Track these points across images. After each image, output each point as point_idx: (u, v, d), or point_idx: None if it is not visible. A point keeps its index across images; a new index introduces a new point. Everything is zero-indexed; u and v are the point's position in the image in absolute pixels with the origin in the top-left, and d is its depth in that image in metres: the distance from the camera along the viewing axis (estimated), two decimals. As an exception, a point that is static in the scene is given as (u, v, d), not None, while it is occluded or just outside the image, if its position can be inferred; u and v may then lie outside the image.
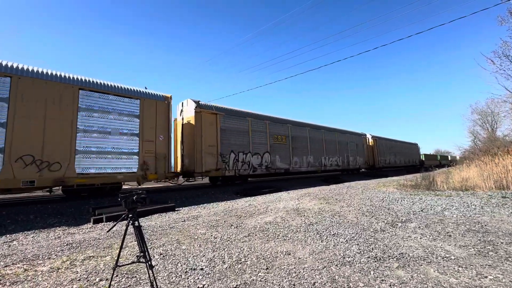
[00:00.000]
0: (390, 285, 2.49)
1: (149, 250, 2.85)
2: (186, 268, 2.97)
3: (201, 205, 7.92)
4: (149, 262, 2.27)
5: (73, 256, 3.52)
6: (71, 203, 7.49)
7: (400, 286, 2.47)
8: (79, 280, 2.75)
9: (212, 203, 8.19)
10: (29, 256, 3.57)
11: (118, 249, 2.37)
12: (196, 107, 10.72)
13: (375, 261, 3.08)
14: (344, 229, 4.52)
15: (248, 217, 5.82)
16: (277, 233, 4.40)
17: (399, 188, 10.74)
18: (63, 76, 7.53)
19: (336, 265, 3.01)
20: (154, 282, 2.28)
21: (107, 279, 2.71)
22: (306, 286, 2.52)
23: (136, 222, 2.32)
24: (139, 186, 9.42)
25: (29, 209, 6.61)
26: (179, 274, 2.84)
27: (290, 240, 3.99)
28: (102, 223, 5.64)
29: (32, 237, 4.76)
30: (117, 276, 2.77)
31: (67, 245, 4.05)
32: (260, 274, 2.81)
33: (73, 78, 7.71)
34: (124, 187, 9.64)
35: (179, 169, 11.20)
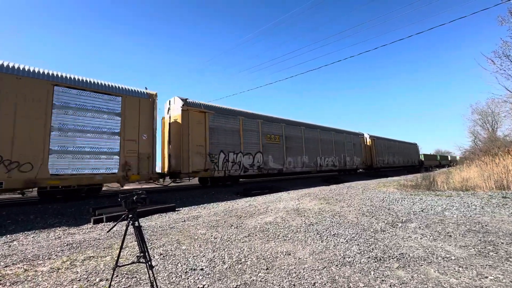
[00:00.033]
0: (390, 286, 2.48)
1: (149, 250, 2.85)
2: (186, 268, 2.97)
3: (201, 205, 7.92)
4: (149, 263, 2.26)
5: (73, 256, 3.52)
6: (72, 203, 7.50)
7: (401, 286, 2.47)
8: (79, 280, 2.76)
9: (212, 203, 8.19)
10: (29, 256, 3.57)
11: (118, 249, 2.36)
12: (183, 105, 10.30)
13: (376, 261, 3.07)
14: (344, 229, 4.52)
15: (248, 217, 5.82)
16: (277, 233, 4.40)
17: (399, 188, 10.73)
18: (36, 72, 7.10)
19: (336, 265, 3.00)
20: (154, 282, 2.28)
21: (107, 279, 2.71)
22: (306, 286, 2.52)
23: (136, 222, 2.32)
24: (122, 188, 9.12)
25: (30, 209, 6.62)
26: (179, 274, 2.84)
27: (290, 240, 3.99)
28: (102, 223, 5.65)
29: (32, 237, 4.76)
30: (117, 276, 2.77)
31: (67, 245, 4.05)
32: (260, 274, 2.81)
33: (47, 73, 7.25)
34: (104, 188, 9.20)
35: (166, 169, 10.84)
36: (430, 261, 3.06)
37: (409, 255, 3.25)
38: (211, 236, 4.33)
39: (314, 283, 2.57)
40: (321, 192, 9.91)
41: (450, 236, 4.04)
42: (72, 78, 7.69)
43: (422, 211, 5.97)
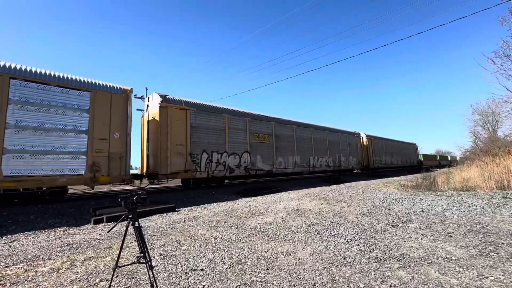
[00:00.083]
0: (390, 286, 2.48)
1: (149, 250, 2.85)
2: (187, 269, 2.97)
3: (202, 205, 7.92)
4: (149, 263, 2.26)
5: (73, 256, 3.52)
6: (72, 203, 7.50)
7: (401, 286, 2.46)
8: (79, 280, 2.76)
9: (212, 204, 8.19)
10: (29, 256, 3.57)
11: (119, 250, 2.36)
12: (161, 102, 9.67)
13: (376, 262, 3.07)
14: (344, 229, 4.52)
15: (248, 217, 5.81)
16: (278, 233, 4.40)
17: (399, 188, 10.73)
18: None
19: (337, 265, 3.00)
20: (154, 283, 2.28)
21: (107, 280, 2.71)
22: (307, 286, 2.52)
23: (136, 223, 2.32)
24: (93, 190, 8.54)
25: (30, 209, 6.62)
26: (179, 274, 2.84)
27: (290, 241, 3.98)
28: (103, 224, 5.65)
29: (32, 237, 4.76)
30: (117, 276, 2.77)
31: (67, 245, 4.05)
32: (260, 274, 2.80)
33: (3, 65, 6.59)
34: (70, 191, 8.53)
35: (145, 170, 10.21)
36: (430, 261, 3.06)
37: (409, 255, 3.25)
38: (211, 236, 4.33)
39: (314, 283, 2.57)
40: (321, 192, 9.91)
41: (451, 236, 4.04)
42: (33, 71, 7.01)
43: (422, 211, 5.96)
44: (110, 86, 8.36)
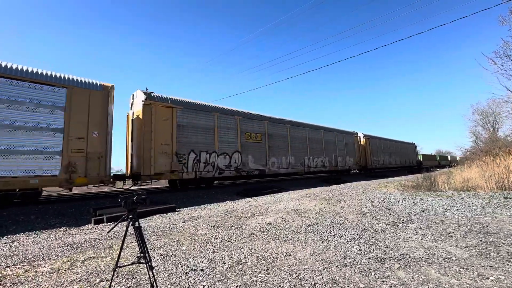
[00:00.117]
0: (391, 286, 2.48)
1: (149, 251, 2.85)
2: (187, 269, 2.97)
3: (202, 205, 7.92)
4: (150, 263, 2.26)
5: (73, 256, 3.53)
6: (72, 203, 7.51)
7: (401, 287, 2.46)
8: (79, 281, 2.76)
9: (212, 204, 8.19)
10: (29, 256, 3.58)
11: (119, 250, 2.37)
12: (145, 99, 9.25)
13: (376, 262, 3.07)
14: (345, 230, 4.51)
15: (248, 217, 5.81)
16: (278, 233, 4.39)
17: (400, 188, 10.72)
18: None
19: (337, 266, 3.00)
20: (154, 283, 2.28)
21: (107, 280, 2.71)
22: (307, 287, 2.52)
23: (137, 223, 2.32)
24: (71, 192, 8.21)
25: (30, 209, 6.62)
26: (180, 275, 2.84)
27: (290, 241, 3.98)
28: (103, 224, 5.65)
29: (33, 237, 4.77)
30: (117, 277, 2.77)
31: (67, 245, 4.05)
32: (260, 275, 2.80)
33: None
34: (44, 193, 8.15)
35: (129, 171, 9.85)
36: (431, 261, 3.06)
37: (409, 255, 3.25)
38: (212, 236, 4.33)
39: (314, 283, 2.57)
40: (321, 193, 9.90)
41: (451, 236, 4.03)
42: (3, 65, 6.62)
43: (423, 211, 5.95)
44: (88, 82, 7.94)
